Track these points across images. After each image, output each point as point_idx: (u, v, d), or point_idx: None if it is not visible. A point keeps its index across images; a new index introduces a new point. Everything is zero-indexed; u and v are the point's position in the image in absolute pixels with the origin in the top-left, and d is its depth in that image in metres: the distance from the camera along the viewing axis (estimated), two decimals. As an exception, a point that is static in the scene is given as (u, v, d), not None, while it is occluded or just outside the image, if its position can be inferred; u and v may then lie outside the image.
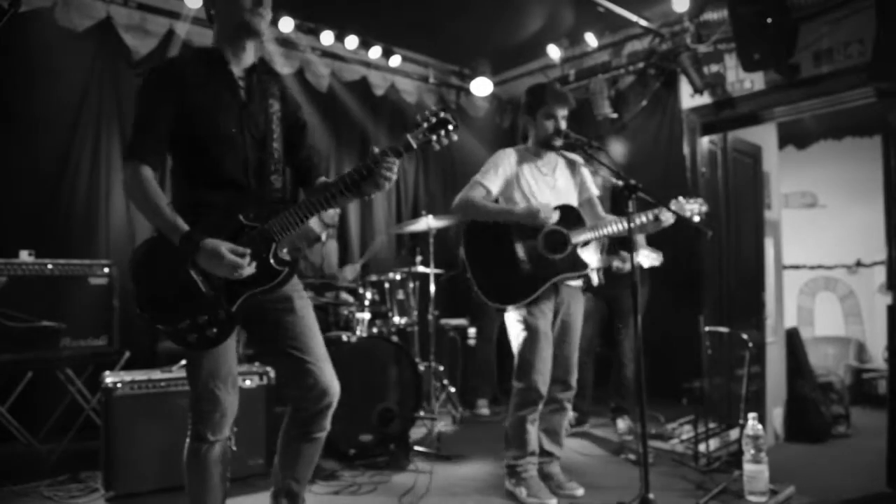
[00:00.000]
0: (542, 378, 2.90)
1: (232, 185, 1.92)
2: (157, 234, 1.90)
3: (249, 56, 2.02)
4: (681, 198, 2.84)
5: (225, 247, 1.79)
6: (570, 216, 2.99)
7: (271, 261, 1.91)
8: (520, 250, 2.92)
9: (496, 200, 3.01)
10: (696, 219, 2.83)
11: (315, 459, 2.16)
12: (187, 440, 1.97)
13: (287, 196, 2.07)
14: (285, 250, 1.96)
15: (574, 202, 3.08)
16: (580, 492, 3.02)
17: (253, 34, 1.97)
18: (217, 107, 1.91)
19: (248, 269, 1.83)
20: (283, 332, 2.02)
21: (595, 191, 3.17)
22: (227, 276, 1.82)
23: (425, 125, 1.95)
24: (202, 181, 1.91)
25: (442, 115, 1.96)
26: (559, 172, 3.10)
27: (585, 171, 3.18)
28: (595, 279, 4.07)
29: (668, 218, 2.82)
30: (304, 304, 2.08)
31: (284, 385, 2.12)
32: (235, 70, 1.98)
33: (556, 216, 2.88)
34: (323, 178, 2.15)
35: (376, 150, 1.93)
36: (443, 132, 1.96)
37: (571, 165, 3.16)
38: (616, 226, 2.92)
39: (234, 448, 2.17)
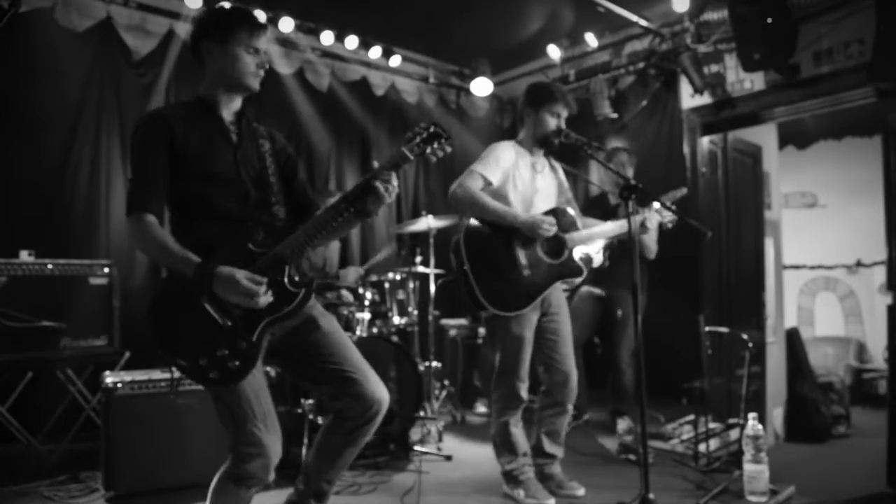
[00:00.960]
0: (523, 384, 2.93)
1: (237, 218, 1.93)
2: (168, 276, 1.90)
3: (238, 102, 2.06)
4: (657, 204, 2.92)
5: (241, 273, 1.78)
6: (565, 219, 3.00)
7: (286, 284, 1.89)
8: (521, 256, 2.90)
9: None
10: (669, 226, 3.01)
11: (349, 464, 2.18)
12: (225, 467, 1.88)
13: (291, 223, 2.06)
14: (297, 273, 1.95)
15: (554, 203, 3.09)
16: (581, 491, 3.02)
17: (249, 92, 2.02)
18: (211, 150, 1.94)
19: (265, 297, 1.80)
20: (315, 353, 2.00)
21: (570, 194, 3.21)
22: (243, 303, 1.80)
23: (418, 139, 1.96)
24: (207, 216, 1.92)
25: (433, 128, 1.97)
26: (546, 172, 3.11)
27: (562, 175, 3.21)
28: (599, 260, 4.01)
29: (653, 224, 2.93)
30: (330, 321, 2.06)
31: (334, 399, 2.08)
32: (226, 115, 2.02)
33: (553, 230, 2.87)
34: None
35: (375, 164, 1.97)
36: (436, 144, 1.97)
37: (553, 168, 3.18)
38: (608, 225, 2.99)
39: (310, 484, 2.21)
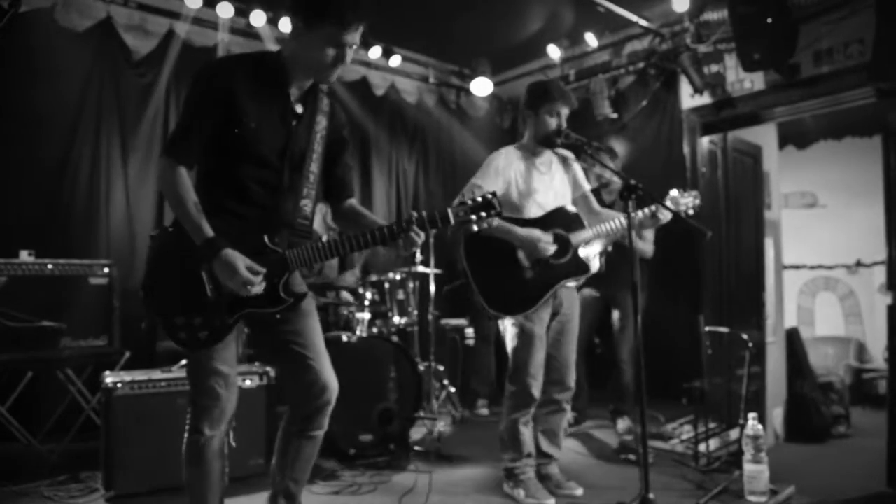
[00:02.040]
0: (536, 382, 2.92)
1: (262, 205, 1.93)
2: (175, 230, 1.91)
3: (310, 80, 2.00)
4: (674, 191, 2.89)
5: (242, 261, 1.80)
6: (569, 218, 2.99)
7: (280, 288, 1.92)
8: (523, 257, 2.90)
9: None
10: (691, 212, 2.88)
11: (313, 459, 2.16)
12: (186, 435, 1.99)
13: (313, 222, 2.07)
14: (294, 283, 1.97)
15: (569, 199, 3.08)
16: (579, 491, 3.02)
17: (320, 82, 1.98)
18: (264, 130, 1.89)
19: (258, 288, 1.83)
20: (286, 329, 2.02)
21: (587, 186, 3.17)
22: (235, 289, 1.82)
23: (470, 203, 1.94)
24: (233, 194, 1.91)
25: (490, 198, 1.95)
26: (555, 170, 3.09)
27: (577, 167, 3.17)
28: (596, 266, 4.02)
29: (665, 215, 2.87)
30: (309, 303, 2.07)
31: (284, 382, 2.13)
32: (294, 91, 1.96)
33: (552, 248, 2.85)
34: (352, 201, 2.18)
35: (414, 214, 1.92)
36: (484, 213, 1.94)
37: (564, 162, 3.14)
38: (614, 223, 2.93)
39: (234, 444, 2.19)
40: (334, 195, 2.17)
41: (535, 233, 2.86)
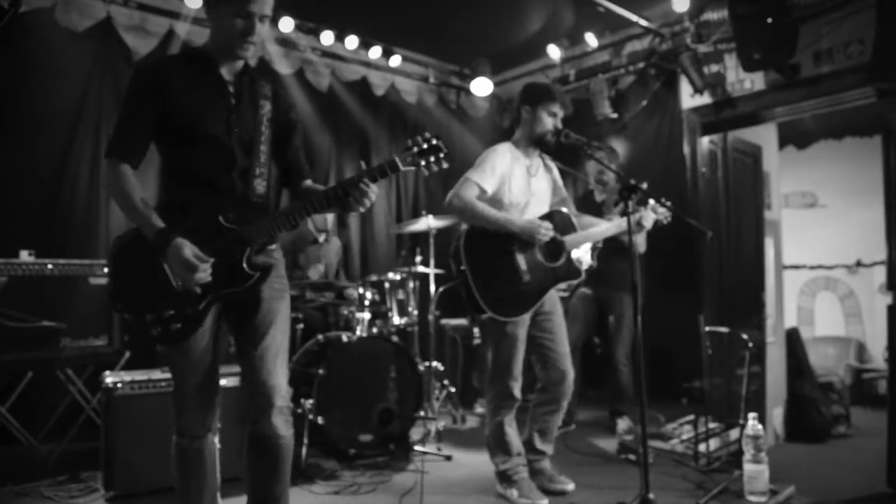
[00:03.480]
0: (517, 384, 2.94)
1: (216, 187, 1.93)
2: (134, 230, 1.91)
3: (240, 63, 2.01)
4: (652, 201, 2.94)
5: (188, 250, 1.79)
6: (563, 221, 3.00)
7: (244, 264, 1.91)
8: (521, 261, 2.89)
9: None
10: (665, 222, 3.01)
11: (276, 475, 2.03)
12: (173, 437, 2.01)
13: (269, 200, 2.07)
14: (261, 255, 1.98)
15: (548, 205, 3.09)
16: (570, 486, 3.04)
17: (237, 59, 1.97)
18: (205, 108, 1.91)
19: (204, 275, 1.81)
20: (245, 330, 2.00)
21: (565, 192, 3.20)
22: (182, 278, 1.82)
23: (415, 149, 1.94)
24: (188, 181, 1.92)
25: (435, 141, 1.96)
26: (541, 174, 3.10)
27: (557, 174, 3.21)
28: (588, 261, 4.01)
29: (648, 222, 2.94)
30: (270, 305, 2.02)
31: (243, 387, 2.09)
32: (225, 72, 1.98)
33: (550, 234, 2.88)
34: (308, 182, 2.15)
35: (363, 165, 1.97)
36: (433, 158, 1.96)
37: (547, 168, 3.17)
38: (604, 227, 3.00)
39: (219, 445, 2.16)
40: (291, 179, 2.16)
41: (534, 220, 2.87)
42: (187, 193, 1.92)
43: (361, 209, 1.94)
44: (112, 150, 1.89)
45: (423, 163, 1.95)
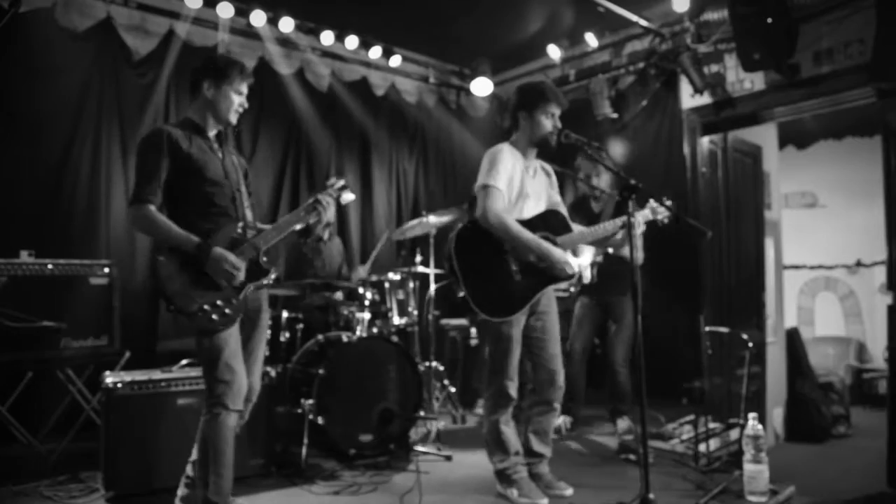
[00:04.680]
0: (513, 383, 2.94)
1: (225, 215, 2.47)
2: (168, 256, 2.34)
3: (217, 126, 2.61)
4: (653, 201, 2.94)
5: (231, 256, 2.37)
6: (557, 222, 2.99)
7: (261, 263, 2.50)
8: (512, 261, 2.89)
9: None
10: (666, 222, 3.00)
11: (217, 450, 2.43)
12: (204, 416, 2.38)
13: (255, 222, 2.62)
14: (265, 259, 2.51)
15: (545, 204, 3.09)
16: (569, 491, 3.02)
17: (227, 125, 2.59)
18: (206, 159, 2.47)
19: (241, 275, 2.40)
20: (246, 341, 2.53)
21: (557, 197, 3.18)
22: (226, 279, 2.37)
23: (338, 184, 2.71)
24: (202, 214, 2.42)
25: (343, 183, 2.71)
26: (538, 175, 3.11)
27: (554, 180, 3.20)
28: (588, 276, 4.04)
29: (639, 228, 2.90)
30: (266, 319, 2.68)
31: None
32: (210, 135, 2.56)
33: (573, 273, 2.94)
34: (259, 225, 2.66)
35: (333, 180, 2.73)
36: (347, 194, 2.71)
37: (546, 172, 3.17)
38: (600, 228, 2.97)
39: (238, 432, 2.52)
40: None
41: (568, 256, 2.88)
42: (208, 219, 2.42)
43: (325, 218, 2.66)
44: (139, 196, 2.36)
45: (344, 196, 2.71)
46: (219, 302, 2.36)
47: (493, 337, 2.94)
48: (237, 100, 2.53)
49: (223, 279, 2.35)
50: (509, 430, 2.97)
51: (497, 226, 2.84)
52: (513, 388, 2.94)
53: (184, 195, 2.43)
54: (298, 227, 2.63)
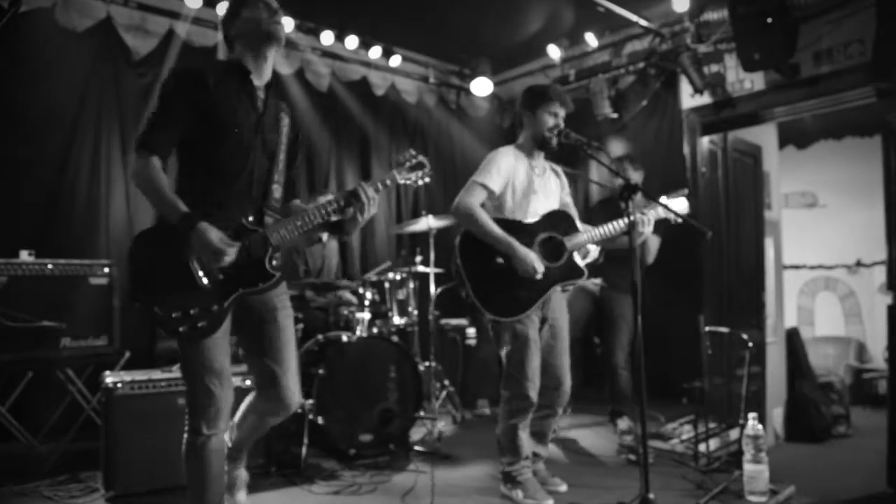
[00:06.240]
0: (533, 385, 2.90)
1: (238, 189, 2.05)
2: (158, 224, 2.00)
3: (269, 70, 2.16)
4: (664, 198, 2.93)
5: (215, 233, 1.91)
6: (564, 221, 2.99)
7: (266, 264, 2.05)
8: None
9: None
10: (679, 220, 2.91)
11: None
12: (185, 436, 2.06)
13: (280, 206, 2.20)
14: (275, 262, 2.09)
15: (557, 202, 3.09)
16: (563, 487, 3.04)
17: (275, 41, 2.11)
18: (236, 113, 2.04)
19: (230, 257, 1.94)
20: (260, 344, 2.17)
21: (568, 198, 3.19)
22: (211, 260, 1.93)
23: (407, 163, 2.21)
24: (212, 182, 2.03)
25: (420, 158, 2.23)
26: (547, 175, 3.11)
27: (564, 180, 3.21)
28: (594, 254, 3.98)
29: (649, 229, 2.87)
30: (286, 317, 2.20)
31: (254, 387, 2.31)
32: (256, 82, 2.12)
33: (540, 273, 2.82)
34: (297, 202, 2.31)
35: (362, 183, 2.14)
36: (420, 173, 2.24)
37: (556, 172, 3.18)
38: (608, 228, 2.94)
39: (229, 444, 2.29)
40: (285, 195, 2.24)
41: (532, 256, 2.82)
42: (211, 193, 2.02)
43: (360, 222, 2.12)
44: (145, 143, 1.98)
45: (413, 177, 2.21)
46: (193, 310, 1.94)
47: (508, 338, 2.93)
48: (266, 16, 2.10)
49: (209, 259, 1.94)
50: (525, 436, 2.97)
51: (464, 215, 2.87)
52: (532, 390, 2.89)
53: (199, 158, 2.05)
54: (326, 220, 2.14)
